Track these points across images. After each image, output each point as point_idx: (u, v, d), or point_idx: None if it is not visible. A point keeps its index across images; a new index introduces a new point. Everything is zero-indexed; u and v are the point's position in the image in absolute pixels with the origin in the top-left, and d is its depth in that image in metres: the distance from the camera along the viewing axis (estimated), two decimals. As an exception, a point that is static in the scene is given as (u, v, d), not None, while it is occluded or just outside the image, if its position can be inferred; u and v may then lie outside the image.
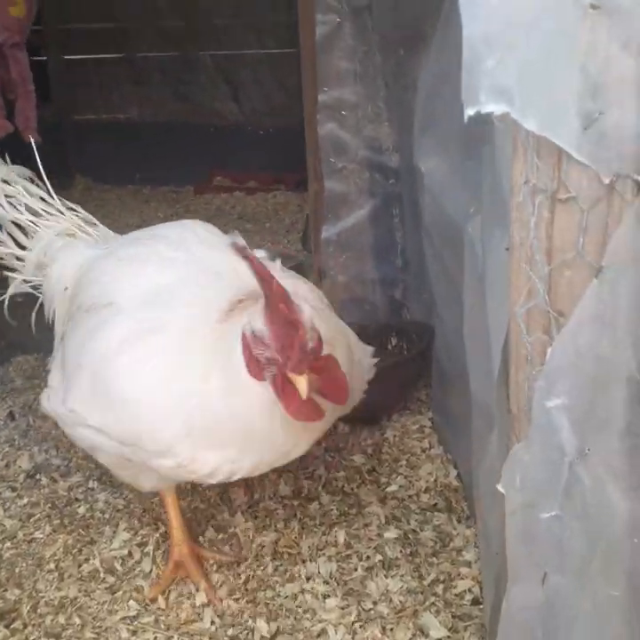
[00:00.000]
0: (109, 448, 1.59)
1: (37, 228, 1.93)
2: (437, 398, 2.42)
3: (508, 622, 1.01)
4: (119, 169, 5.12)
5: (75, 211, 1.98)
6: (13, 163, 2.01)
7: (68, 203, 1.98)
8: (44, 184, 1.98)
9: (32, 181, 1.98)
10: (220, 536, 1.95)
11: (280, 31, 5.44)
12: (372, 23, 2.67)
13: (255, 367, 1.39)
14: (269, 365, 1.37)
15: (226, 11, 5.34)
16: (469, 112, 0.78)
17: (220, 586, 1.78)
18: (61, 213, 1.96)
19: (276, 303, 1.28)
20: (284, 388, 1.38)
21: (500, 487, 0.96)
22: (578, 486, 0.90)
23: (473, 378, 1.54)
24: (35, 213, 1.94)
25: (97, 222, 1.97)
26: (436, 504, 2.08)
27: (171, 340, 1.50)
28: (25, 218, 1.93)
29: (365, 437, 2.36)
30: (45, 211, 1.95)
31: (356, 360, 1.68)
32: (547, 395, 0.87)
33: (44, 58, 5.06)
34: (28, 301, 3.20)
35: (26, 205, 1.94)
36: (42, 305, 3.17)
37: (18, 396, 2.70)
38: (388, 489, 2.14)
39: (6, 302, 2.10)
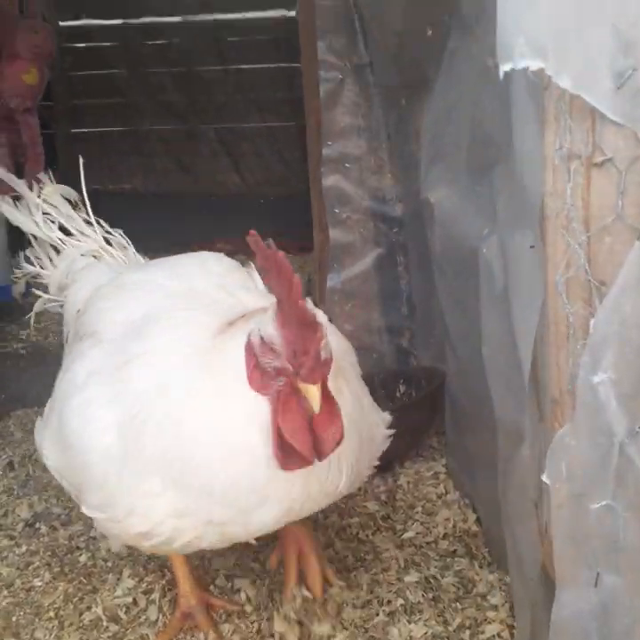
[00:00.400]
0: (73, 495, 1.46)
1: (64, 247, 1.91)
2: (452, 442, 2.35)
3: (559, 632, 0.92)
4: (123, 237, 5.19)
5: (110, 234, 1.96)
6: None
7: (105, 226, 1.97)
8: (85, 207, 1.98)
9: (74, 203, 1.99)
10: (230, 584, 1.84)
11: (280, 106, 5.65)
12: (373, 79, 2.78)
13: (259, 380, 1.20)
14: (277, 377, 1.19)
15: (227, 87, 5.57)
16: (505, 68, 0.78)
17: (231, 635, 1.66)
18: (92, 235, 1.94)
19: (294, 302, 1.11)
20: (285, 404, 1.18)
21: (544, 478, 0.90)
22: (630, 470, 0.84)
23: (496, 397, 1.49)
24: (67, 233, 1.94)
25: (128, 245, 1.95)
26: (455, 550, 1.98)
27: (140, 372, 1.34)
28: (55, 236, 1.92)
29: (378, 485, 2.27)
30: (78, 230, 1.93)
31: (368, 431, 1.45)
32: (592, 370, 0.83)
33: (53, 131, 5.23)
34: (31, 354, 3.18)
35: (59, 224, 1.94)
36: (43, 359, 3.15)
37: (17, 446, 2.62)
38: (405, 536, 2.04)
39: (32, 320, 2.07)
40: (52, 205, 1.97)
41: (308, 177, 3.04)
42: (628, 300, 0.80)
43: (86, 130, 5.37)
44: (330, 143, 2.81)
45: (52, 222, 1.95)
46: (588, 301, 0.83)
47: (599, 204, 0.81)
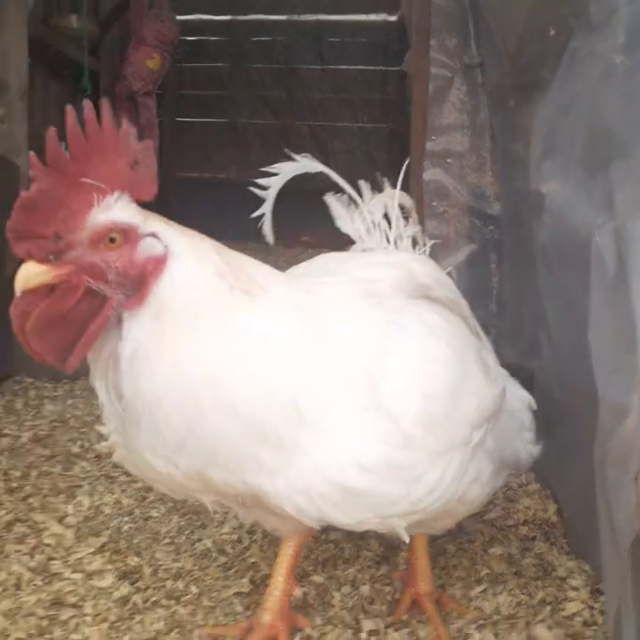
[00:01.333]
0: None
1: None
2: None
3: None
4: (215, 224, 5.44)
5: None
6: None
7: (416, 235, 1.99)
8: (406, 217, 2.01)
9: (403, 210, 2.00)
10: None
11: (372, 108, 5.75)
12: (482, 79, 2.86)
13: None
14: None
15: (324, 86, 5.73)
16: None
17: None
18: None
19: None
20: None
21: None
22: None
23: (600, 378, 1.55)
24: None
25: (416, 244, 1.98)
26: (535, 537, 2.03)
27: None
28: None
29: (460, 469, 2.35)
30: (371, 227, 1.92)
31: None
32: None
33: (160, 119, 5.54)
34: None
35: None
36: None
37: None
38: (486, 517, 2.10)
39: None
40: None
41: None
42: None
43: (190, 119, 5.64)
44: (434, 138, 2.91)
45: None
46: None
47: None
